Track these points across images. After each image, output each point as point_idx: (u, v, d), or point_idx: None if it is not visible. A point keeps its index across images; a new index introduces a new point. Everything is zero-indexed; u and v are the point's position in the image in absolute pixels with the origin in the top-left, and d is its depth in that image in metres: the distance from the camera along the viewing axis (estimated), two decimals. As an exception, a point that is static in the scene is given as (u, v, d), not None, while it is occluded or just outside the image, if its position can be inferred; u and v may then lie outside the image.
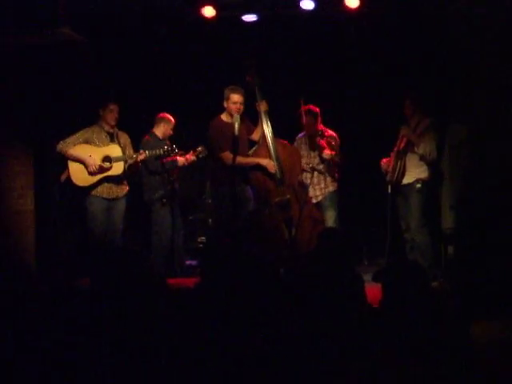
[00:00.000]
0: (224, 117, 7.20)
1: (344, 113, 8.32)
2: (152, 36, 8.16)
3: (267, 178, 7.09)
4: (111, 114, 7.41)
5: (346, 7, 7.31)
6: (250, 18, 7.78)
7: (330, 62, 8.47)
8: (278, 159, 7.08)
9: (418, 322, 3.02)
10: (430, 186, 7.15)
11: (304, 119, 7.37)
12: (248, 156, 7.19)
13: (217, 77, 8.15)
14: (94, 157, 7.30)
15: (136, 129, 7.88)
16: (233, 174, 6.87)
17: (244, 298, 3.43)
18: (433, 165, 7.14)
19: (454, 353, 2.96)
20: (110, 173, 7.34)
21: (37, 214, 8.15)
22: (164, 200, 7.66)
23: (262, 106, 7.12)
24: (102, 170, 7.31)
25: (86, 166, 7.27)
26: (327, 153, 7.32)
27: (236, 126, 6.87)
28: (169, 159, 7.56)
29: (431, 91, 7.65)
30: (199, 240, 8.98)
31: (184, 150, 7.68)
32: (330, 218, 7.44)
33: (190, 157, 7.71)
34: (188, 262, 8.30)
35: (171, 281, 6.88)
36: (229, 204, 6.95)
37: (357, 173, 8.09)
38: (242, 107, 7.09)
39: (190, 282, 5.82)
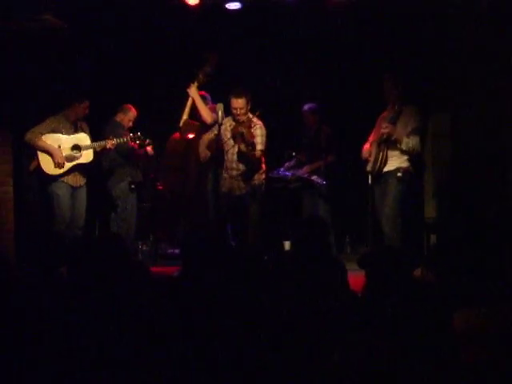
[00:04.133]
0: None
1: (327, 100, 8.33)
2: (135, 24, 8.12)
3: None
4: (85, 111, 7.54)
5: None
6: (233, 5, 7.75)
7: (315, 51, 8.46)
8: None
9: (400, 309, 3.04)
10: (411, 175, 6.98)
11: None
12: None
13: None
14: (64, 146, 7.41)
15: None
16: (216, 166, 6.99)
17: (227, 285, 3.43)
18: (416, 157, 7.01)
19: (435, 340, 2.97)
20: (80, 161, 7.45)
21: (16, 201, 8.09)
22: (133, 186, 7.72)
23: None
24: (72, 158, 7.42)
25: (53, 158, 7.36)
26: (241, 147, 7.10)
27: (219, 114, 6.89)
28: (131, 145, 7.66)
29: (416, 79, 7.65)
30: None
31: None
32: (254, 212, 7.27)
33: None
34: (170, 251, 8.30)
35: (153, 269, 6.90)
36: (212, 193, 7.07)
37: (338, 161, 8.09)
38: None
39: (173, 270, 5.82)
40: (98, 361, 3.03)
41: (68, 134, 7.46)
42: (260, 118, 7.23)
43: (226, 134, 7.19)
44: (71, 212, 7.48)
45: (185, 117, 7.55)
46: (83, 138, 7.51)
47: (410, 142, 6.81)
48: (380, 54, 8.02)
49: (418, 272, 6.54)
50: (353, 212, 8.15)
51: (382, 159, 6.90)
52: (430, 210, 7.66)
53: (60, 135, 7.42)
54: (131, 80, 8.48)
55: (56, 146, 7.38)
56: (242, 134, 7.04)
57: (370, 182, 7.06)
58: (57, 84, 8.05)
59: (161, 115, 8.40)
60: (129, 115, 7.86)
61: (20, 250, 7.65)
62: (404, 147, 6.81)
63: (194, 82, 7.52)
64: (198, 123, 7.71)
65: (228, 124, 7.24)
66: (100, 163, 7.80)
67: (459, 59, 7.12)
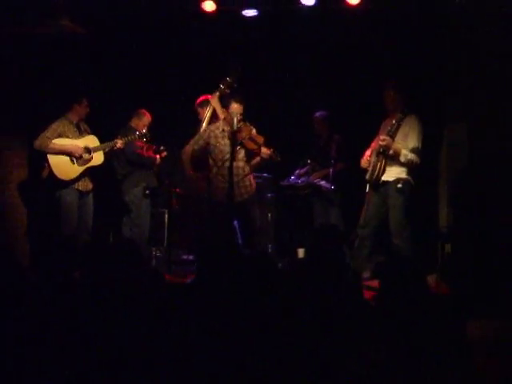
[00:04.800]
0: None
1: (340, 108, 8.30)
2: (152, 30, 8.14)
3: None
4: (86, 109, 7.54)
5: (347, 3, 7.28)
6: (250, 12, 7.75)
7: (330, 58, 8.44)
8: None
9: (413, 319, 3.02)
10: (411, 185, 6.85)
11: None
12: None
13: (217, 71, 8.15)
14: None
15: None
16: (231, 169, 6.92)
17: (241, 293, 3.42)
18: (415, 168, 6.87)
19: (449, 350, 2.96)
20: (91, 163, 7.43)
21: (30, 206, 8.15)
22: (147, 192, 7.72)
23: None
24: (83, 162, 7.39)
25: (72, 154, 7.32)
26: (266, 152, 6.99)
27: (234, 120, 6.88)
28: (145, 153, 7.70)
29: (431, 88, 7.62)
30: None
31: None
32: (256, 215, 7.24)
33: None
34: (184, 257, 8.30)
35: (167, 275, 6.91)
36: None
37: (348, 169, 8.03)
38: None
39: (187, 276, 5.81)
40: (110, 365, 3.04)
41: (74, 137, 7.43)
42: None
43: (221, 142, 7.06)
44: (79, 218, 7.45)
45: (204, 125, 7.54)
46: (92, 140, 7.50)
47: (409, 155, 6.72)
48: (394, 63, 7.99)
49: (431, 279, 6.49)
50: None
51: (379, 169, 6.82)
52: (444, 219, 7.63)
53: (67, 139, 7.39)
54: (148, 86, 8.49)
55: None
56: (252, 139, 7.01)
57: (367, 189, 7.01)
58: (59, 87, 8.07)
59: (177, 123, 8.39)
60: (143, 120, 7.85)
61: (33, 254, 7.70)
62: (402, 159, 6.72)
63: (216, 92, 7.51)
64: None
65: (218, 131, 7.11)
66: (114, 168, 7.81)
67: (475, 68, 7.09)
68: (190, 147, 7.24)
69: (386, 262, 3.43)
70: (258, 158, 7.15)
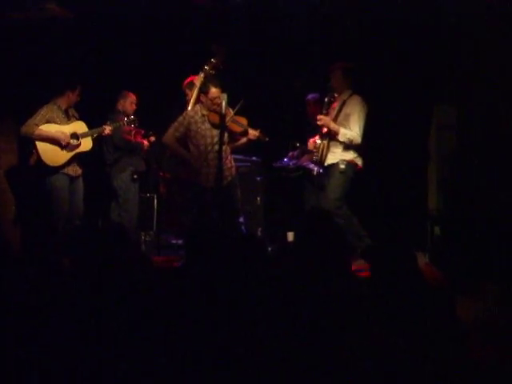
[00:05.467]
0: None
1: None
2: (139, 13, 8.09)
3: None
4: (77, 98, 7.48)
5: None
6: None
7: (319, 42, 8.42)
8: None
9: (406, 302, 3.03)
10: (355, 167, 6.94)
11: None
12: None
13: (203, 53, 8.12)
14: None
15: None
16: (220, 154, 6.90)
17: (230, 277, 3.43)
18: (358, 148, 6.93)
19: (440, 332, 2.97)
20: (79, 149, 7.37)
21: (19, 192, 8.11)
22: (135, 176, 7.70)
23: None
24: (72, 148, 7.33)
25: (58, 141, 7.24)
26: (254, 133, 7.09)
27: (223, 104, 6.85)
28: (133, 139, 7.72)
29: (421, 70, 7.62)
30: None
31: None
32: (239, 196, 7.23)
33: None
34: (174, 241, 8.30)
35: (157, 259, 6.90)
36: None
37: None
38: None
39: (176, 260, 5.80)
40: (100, 350, 3.03)
41: (62, 123, 7.35)
42: None
43: (201, 127, 7.02)
44: (70, 203, 7.39)
45: (190, 107, 7.52)
46: (80, 126, 7.44)
47: (348, 133, 6.82)
48: (386, 46, 7.97)
49: (420, 259, 6.48)
50: (355, 204, 8.12)
51: (323, 150, 6.95)
52: (433, 201, 7.65)
53: (55, 125, 7.30)
54: (134, 70, 8.45)
55: None
56: (235, 121, 6.99)
57: (315, 172, 7.11)
58: (53, 72, 8.01)
59: (165, 106, 8.35)
60: (129, 100, 7.88)
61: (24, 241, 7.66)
62: (342, 139, 6.84)
63: (201, 74, 7.48)
64: None
65: (197, 117, 7.07)
66: (103, 153, 7.80)
67: (466, 51, 7.09)
68: (171, 135, 7.17)
69: (377, 246, 3.43)
70: (244, 139, 7.15)
